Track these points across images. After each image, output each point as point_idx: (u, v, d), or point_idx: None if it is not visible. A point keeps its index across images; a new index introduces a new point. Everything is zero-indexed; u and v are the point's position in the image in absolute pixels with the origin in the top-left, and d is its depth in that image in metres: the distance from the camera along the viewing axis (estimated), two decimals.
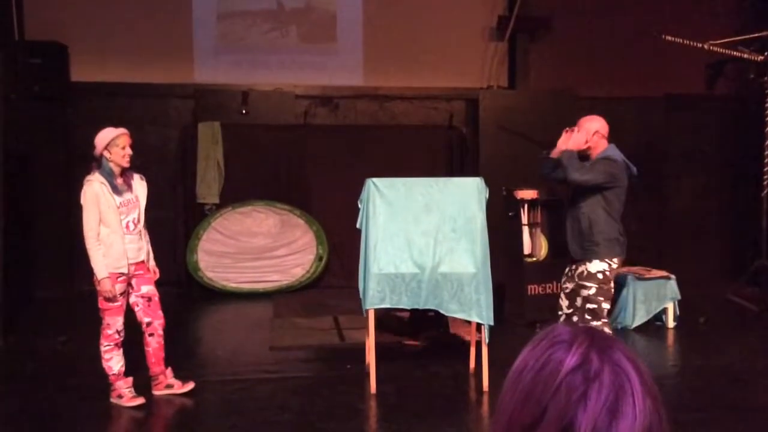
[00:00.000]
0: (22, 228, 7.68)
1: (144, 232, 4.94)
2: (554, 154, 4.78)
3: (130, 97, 8.81)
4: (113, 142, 4.67)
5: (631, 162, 4.84)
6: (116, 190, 4.71)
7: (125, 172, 4.81)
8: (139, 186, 4.90)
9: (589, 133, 4.76)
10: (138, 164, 4.92)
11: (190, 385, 5.04)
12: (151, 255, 5.02)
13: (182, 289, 8.49)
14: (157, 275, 5.04)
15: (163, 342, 4.97)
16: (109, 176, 4.69)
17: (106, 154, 4.68)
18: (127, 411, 4.81)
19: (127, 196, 4.79)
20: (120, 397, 4.83)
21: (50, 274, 8.35)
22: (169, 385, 5.01)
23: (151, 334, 4.92)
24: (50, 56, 8.38)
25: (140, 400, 4.84)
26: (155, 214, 5.67)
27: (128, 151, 4.72)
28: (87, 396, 5.04)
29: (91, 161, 4.81)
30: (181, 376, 5.15)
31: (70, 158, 8.55)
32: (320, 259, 8.86)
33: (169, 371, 5.03)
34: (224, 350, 6.48)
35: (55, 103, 8.54)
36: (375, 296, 5.05)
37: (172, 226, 8.77)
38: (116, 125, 4.83)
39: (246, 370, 5.69)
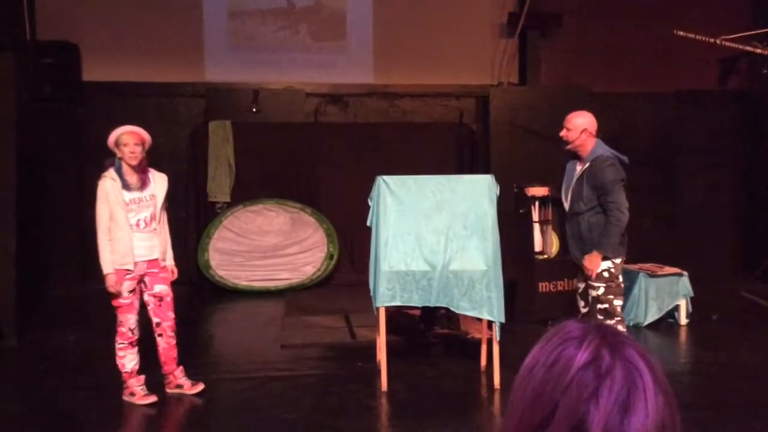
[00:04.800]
0: (34, 227, 7.72)
1: (163, 232, 4.92)
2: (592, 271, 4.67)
3: (141, 96, 8.85)
4: (118, 140, 4.70)
5: (628, 154, 4.80)
6: (127, 186, 4.72)
7: (143, 170, 4.81)
8: (159, 185, 4.89)
9: (577, 131, 4.71)
10: (151, 161, 4.95)
11: (200, 387, 5.04)
12: (170, 255, 4.99)
13: (194, 287, 8.53)
14: (175, 276, 5.01)
15: (173, 343, 4.97)
16: (120, 173, 4.71)
17: (117, 152, 4.72)
18: (139, 409, 4.83)
19: (140, 193, 4.77)
20: (132, 395, 4.85)
21: (63, 273, 8.40)
22: (179, 385, 5.03)
23: (160, 335, 4.93)
24: (61, 56, 8.42)
25: (152, 399, 4.85)
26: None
27: (132, 148, 4.68)
28: (100, 394, 5.07)
29: (103, 159, 4.86)
30: (193, 374, 5.17)
31: (82, 157, 8.60)
32: (331, 257, 8.87)
33: (179, 371, 5.04)
34: (235, 348, 6.51)
35: (66, 102, 8.59)
36: (386, 294, 5.04)
37: (184, 225, 8.80)
38: (127, 124, 4.84)
39: (257, 368, 5.70)
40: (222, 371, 5.68)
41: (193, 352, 5.98)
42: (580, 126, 4.71)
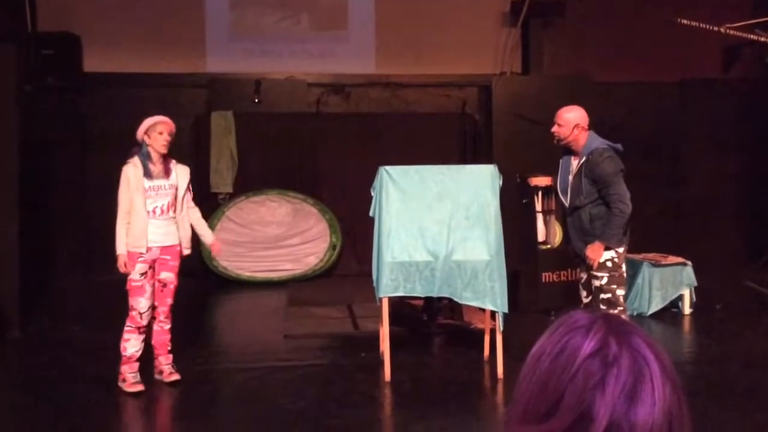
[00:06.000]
0: (38, 218, 7.72)
1: (186, 221, 5.02)
2: (593, 261, 4.62)
3: (142, 86, 8.82)
4: (153, 127, 4.87)
5: (632, 144, 4.77)
6: (148, 174, 4.85)
7: (165, 159, 4.95)
8: (180, 176, 5.03)
9: (569, 126, 4.67)
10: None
11: (175, 377, 5.04)
12: (208, 232, 5.28)
13: (197, 278, 8.52)
14: (218, 250, 5.41)
15: (166, 328, 5.00)
16: (145, 159, 4.85)
17: (145, 138, 4.86)
18: (142, 398, 4.84)
19: (160, 182, 4.90)
20: (123, 381, 4.89)
21: (67, 264, 8.40)
22: (161, 371, 5.06)
23: (153, 318, 5.01)
24: (63, 47, 8.40)
25: (139, 387, 4.86)
26: None
27: (167, 137, 4.89)
28: (103, 384, 5.07)
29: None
30: (196, 364, 5.17)
31: (84, 148, 8.58)
32: (333, 247, 8.87)
33: (165, 358, 5.05)
34: (238, 339, 6.52)
35: (68, 93, 8.57)
36: (389, 284, 5.04)
37: None
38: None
39: (260, 358, 5.71)
40: (225, 361, 5.70)
41: (197, 343, 6.00)
42: (572, 121, 4.67)
